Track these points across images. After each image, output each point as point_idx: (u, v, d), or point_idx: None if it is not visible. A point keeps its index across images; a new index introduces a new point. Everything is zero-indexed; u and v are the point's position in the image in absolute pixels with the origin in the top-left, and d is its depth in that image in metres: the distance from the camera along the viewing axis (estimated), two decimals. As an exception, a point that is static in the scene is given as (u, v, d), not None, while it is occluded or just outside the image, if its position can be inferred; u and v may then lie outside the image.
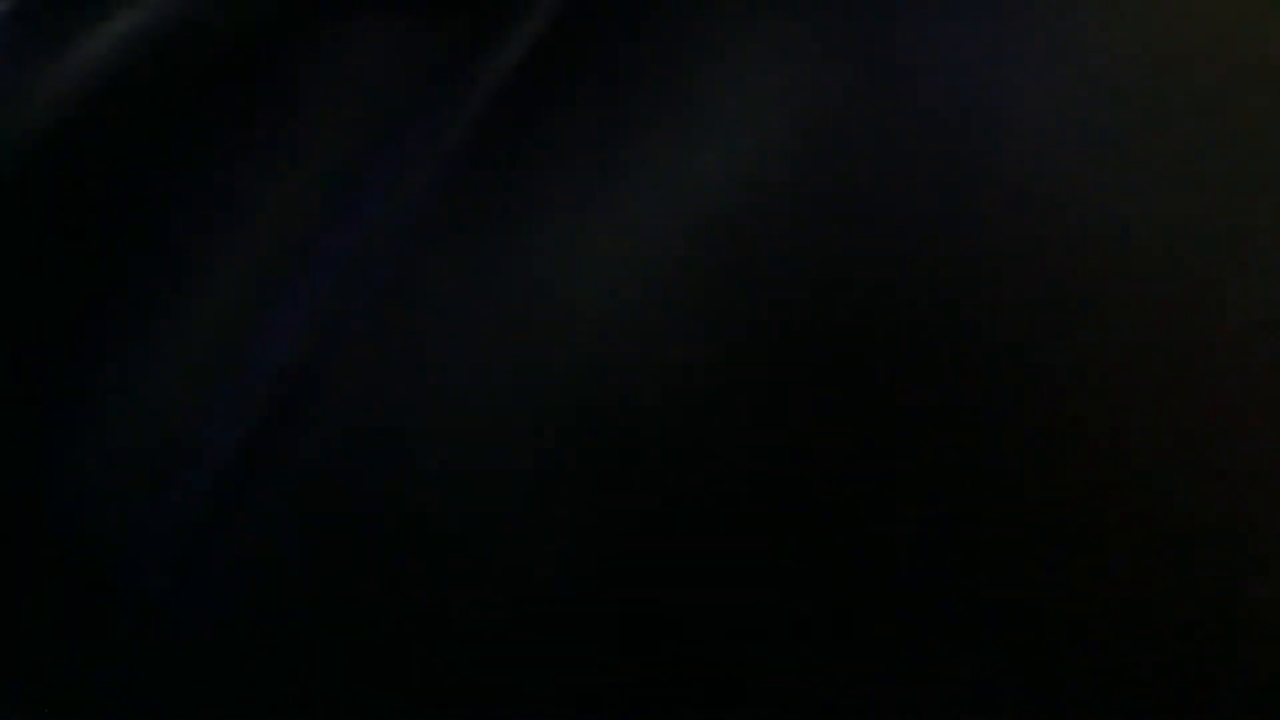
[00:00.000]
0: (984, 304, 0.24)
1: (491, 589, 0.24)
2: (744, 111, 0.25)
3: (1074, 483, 0.24)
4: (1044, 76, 0.25)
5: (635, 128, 0.25)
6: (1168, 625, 0.24)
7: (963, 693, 0.24)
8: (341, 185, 0.26)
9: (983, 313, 0.24)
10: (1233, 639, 0.24)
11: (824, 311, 0.24)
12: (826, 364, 0.24)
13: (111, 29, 0.28)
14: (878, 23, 0.25)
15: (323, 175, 0.27)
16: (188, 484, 0.26)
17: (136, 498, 0.26)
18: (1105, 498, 0.24)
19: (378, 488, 0.25)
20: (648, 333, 0.24)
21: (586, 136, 0.25)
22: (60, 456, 0.27)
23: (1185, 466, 0.24)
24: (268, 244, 0.26)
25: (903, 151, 0.25)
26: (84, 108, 0.28)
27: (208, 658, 0.26)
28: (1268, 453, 0.24)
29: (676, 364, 0.24)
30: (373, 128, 0.27)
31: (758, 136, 0.25)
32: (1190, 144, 0.25)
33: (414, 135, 0.26)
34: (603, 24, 0.26)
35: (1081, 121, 0.25)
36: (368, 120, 0.27)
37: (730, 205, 0.25)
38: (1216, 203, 0.24)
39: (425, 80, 0.27)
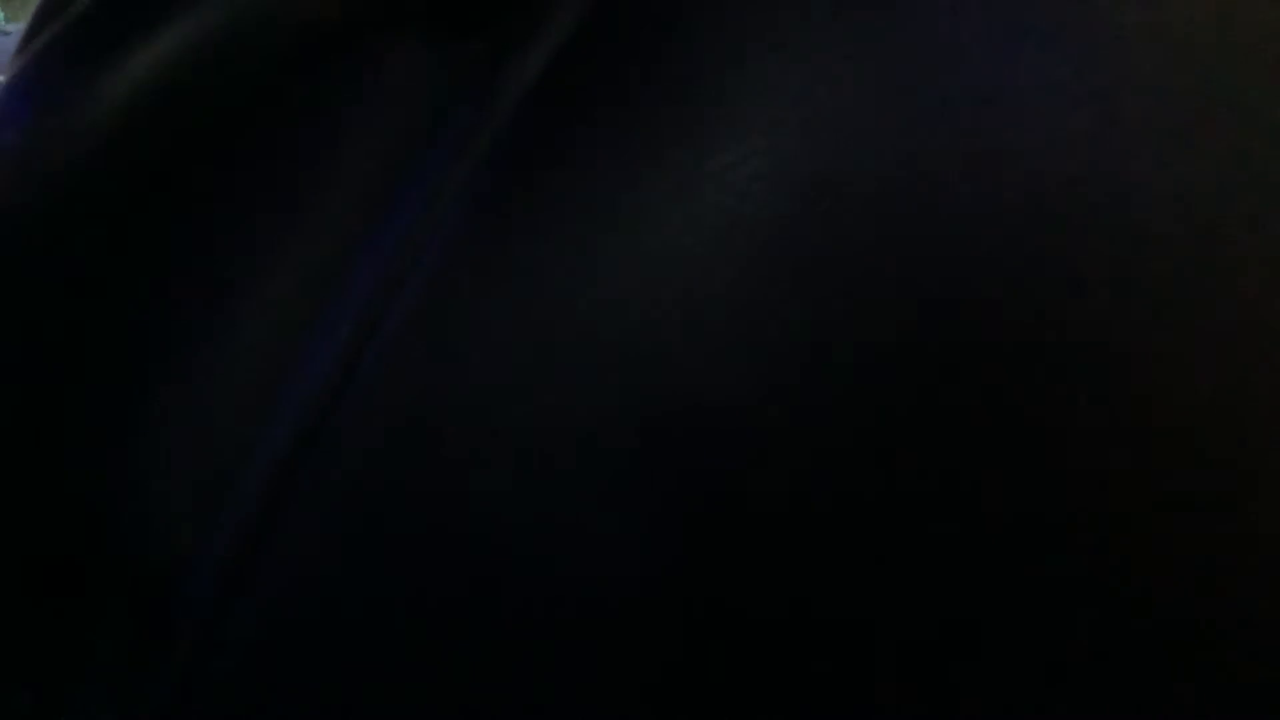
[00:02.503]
0: (1013, 293, 0.24)
1: (533, 599, 0.25)
2: (765, 112, 0.25)
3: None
4: (1060, 61, 0.25)
5: (659, 133, 0.26)
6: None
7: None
8: (374, 203, 0.27)
9: (1010, 301, 0.24)
10: None
11: (859, 308, 0.24)
12: (875, 359, 0.24)
13: (152, 54, 0.28)
14: (893, 18, 0.25)
15: (356, 194, 0.27)
16: (235, 505, 0.26)
17: (191, 509, 0.27)
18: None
19: (417, 502, 0.25)
20: (685, 337, 0.25)
21: (612, 144, 0.26)
22: (120, 471, 0.27)
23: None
24: (306, 266, 0.27)
25: (925, 146, 0.25)
26: (134, 123, 0.28)
27: (257, 672, 0.26)
28: None
29: (717, 368, 0.24)
30: (403, 144, 0.27)
31: (778, 135, 0.25)
32: (1212, 114, 0.25)
33: (443, 150, 0.27)
34: (625, 34, 0.27)
35: (1098, 102, 0.25)
36: (399, 137, 0.27)
37: (756, 205, 0.25)
38: (1237, 204, 0.24)
39: (452, 95, 0.27)
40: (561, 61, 0.27)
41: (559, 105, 0.26)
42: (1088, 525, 0.24)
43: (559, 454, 0.25)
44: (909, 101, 0.25)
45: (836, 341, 0.24)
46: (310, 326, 0.26)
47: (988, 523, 0.24)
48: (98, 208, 0.28)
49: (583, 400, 0.25)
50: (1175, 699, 0.24)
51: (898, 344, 0.24)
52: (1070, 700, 0.24)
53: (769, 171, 0.25)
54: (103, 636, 0.27)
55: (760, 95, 0.25)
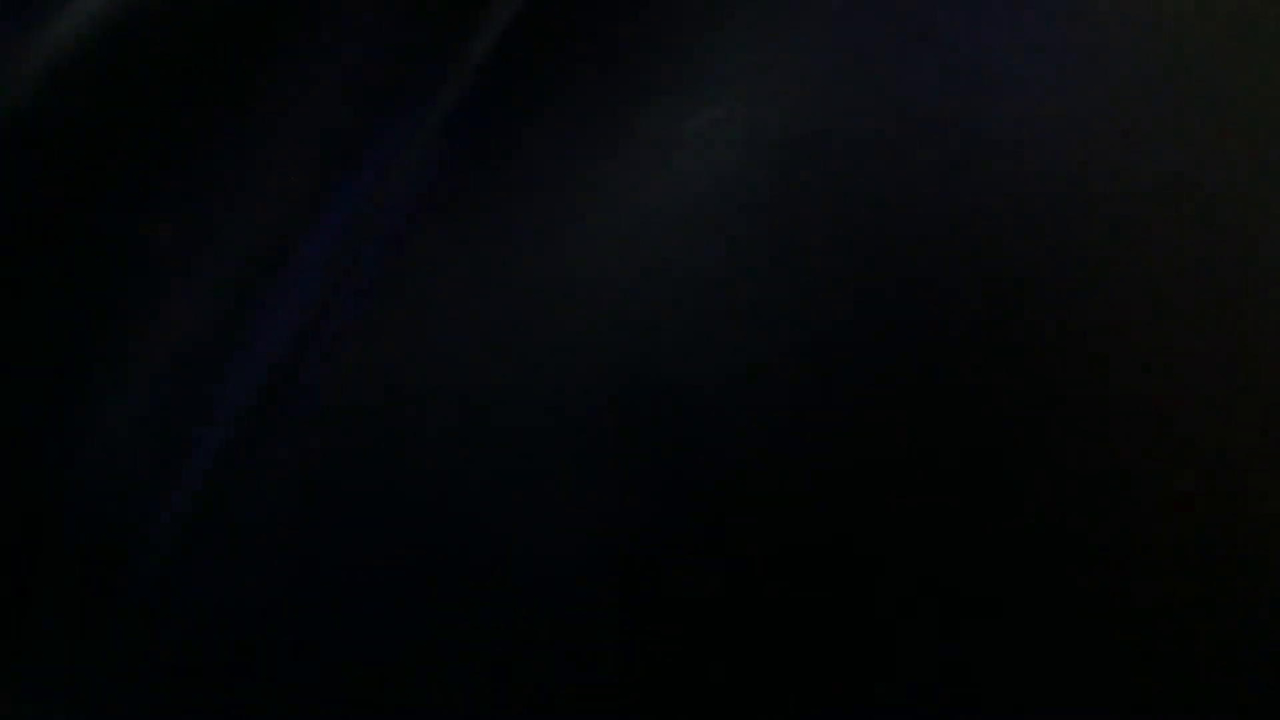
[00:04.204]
0: (981, 275, 0.24)
1: (485, 578, 0.24)
2: (740, 75, 0.25)
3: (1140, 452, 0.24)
4: (1038, 41, 0.25)
5: (628, 98, 0.25)
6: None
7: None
8: (329, 172, 0.26)
9: (982, 288, 0.24)
10: None
11: (835, 281, 0.24)
12: (853, 336, 0.24)
13: (84, 8, 0.27)
14: None
15: (310, 162, 0.26)
16: (185, 475, 0.25)
17: (136, 491, 0.26)
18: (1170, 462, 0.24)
19: (371, 476, 0.25)
20: (655, 307, 0.24)
21: (579, 108, 0.25)
22: (62, 454, 0.26)
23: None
24: (257, 234, 0.26)
25: (902, 116, 0.24)
26: (55, 91, 0.27)
27: (208, 645, 0.25)
28: None
29: (689, 339, 0.24)
30: (359, 113, 0.26)
31: (754, 99, 0.25)
32: (1192, 105, 0.24)
33: (400, 119, 0.26)
34: None
35: (1074, 83, 0.24)
36: (353, 106, 0.26)
37: (729, 171, 0.24)
38: (1222, 179, 0.24)
39: (409, 63, 0.26)
40: (526, 22, 0.26)
41: (523, 68, 0.26)
42: (1067, 521, 0.24)
43: (523, 426, 0.24)
44: (890, 66, 0.24)
45: (812, 315, 0.24)
46: (263, 297, 0.26)
47: (965, 514, 0.24)
48: (23, 178, 0.27)
49: (549, 371, 0.24)
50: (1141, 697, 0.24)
51: (876, 321, 0.24)
52: (1043, 693, 0.24)
53: (742, 137, 0.24)
54: (48, 611, 0.26)
55: (734, 60, 0.25)
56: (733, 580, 0.24)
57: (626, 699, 0.24)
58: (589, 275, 0.24)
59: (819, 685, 0.24)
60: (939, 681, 0.24)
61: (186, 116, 0.27)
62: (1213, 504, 0.24)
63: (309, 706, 0.25)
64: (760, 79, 0.25)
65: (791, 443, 0.24)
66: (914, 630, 0.24)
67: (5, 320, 0.27)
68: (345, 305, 0.25)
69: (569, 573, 0.24)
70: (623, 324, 0.24)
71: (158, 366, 0.26)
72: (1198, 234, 0.24)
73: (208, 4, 0.27)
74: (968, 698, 0.24)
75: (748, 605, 0.24)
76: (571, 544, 0.24)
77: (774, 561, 0.24)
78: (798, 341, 0.24)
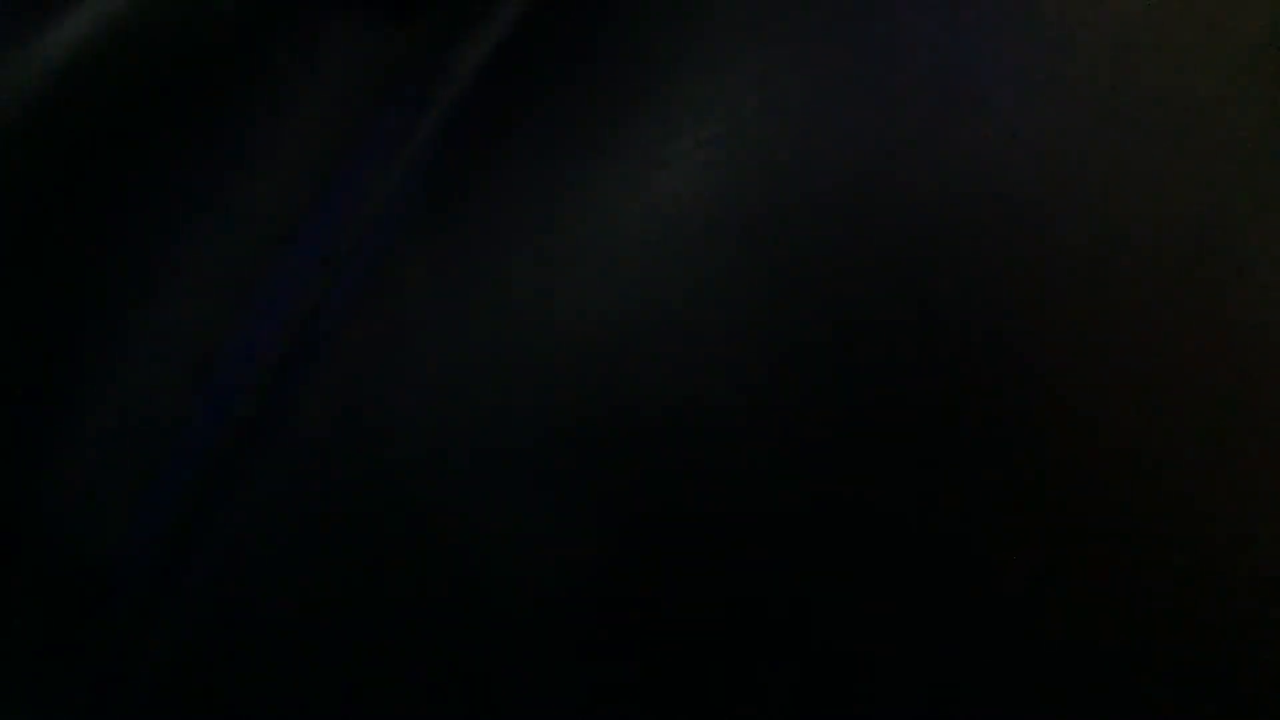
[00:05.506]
0: (962, 297, 0.24)
1: (479, 583, 0.24)
2: (719, 96, 0.25)
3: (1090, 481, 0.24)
4: (1026, 50, 0.25)
5: (613, 116, 0.25)
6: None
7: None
8: (317, 180, 0.26)
9: (963, 309, 0.24)
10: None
11: (821, 302, 0.24)
12: (838, 356, 0.24)
13: (80, 20, 0.27)
14: (851, 8, 0.25)
15: (298, 170, 0.26)
16: (171, 480, 0.25)
17: (121, 496, 0.26)
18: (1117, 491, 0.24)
19: (360, 481, 0.24)
20: (639, 325, 0.24)
21: (564, 126, 0.25)
22: (47, 456, 0.26)
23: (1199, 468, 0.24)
24: (245, 239, 0.26)
25: (889, 133, 0.24)
26: (51, 99, 0.27)
27: (194, 651, 0.25)
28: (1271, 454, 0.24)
29: (672, 358, 0.24)
30: (346, 122, 0.26)
31: (737, 121, 0.24)
32: (1157, 136, 0.24)
33: (388, 129, 0.26)
34: (578, 12, 0.26)
35: (1061, 92, 0.24)
36: (341, 115, 0.26)
37: (714, 191, 0.24)
38: (1196, 196, 0.24)
39: (398, 75, 0.26)
40: (512, 41, 0.26)
41: (509, 86, 0.26)
42: (1052, 533, 0.23)
43: (506, 442, 0.24)
44: (872, 87, 0.24)
45: (792, 339, 0.24)
46: (251, 303, 0.26)
47: (944, 531, 0.24)
48: (16, 182, 0.27)
49: (532, 388, 0.24)
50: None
51: (856, 347, 0.24)
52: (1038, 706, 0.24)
53: (726, 157, 0.24)
54: (26, 624, 0.26)
55: (718, 78, 0.25)
56: (711, 601, 0.24)
57: (606, 712, 0.24)
58: (570, 296, 0.24)
59: (793, 702, 0.24)
60: (916, 703, 0.24)
61: (175, 127, 0.27)
62: (1184, 516, 0.24)
63: None
64: (743, 101, 0.25)
65: (769, 466, 0.23)
66: (888, 650, 0.24)
67: None
68: (326, 322, 0.25)
69: (546, 592, 0.24)
70: (602, 345, 0.24)
71: (140, 377, 0.26)
72: (1177, 251, 0.24)
73: (203, 12, 0.27)
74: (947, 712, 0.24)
75: (726, 625, 0.24)
76: (549, 563, 0.24)
77: (752, 582, 0.24)
78: (777, 364, 0.24)
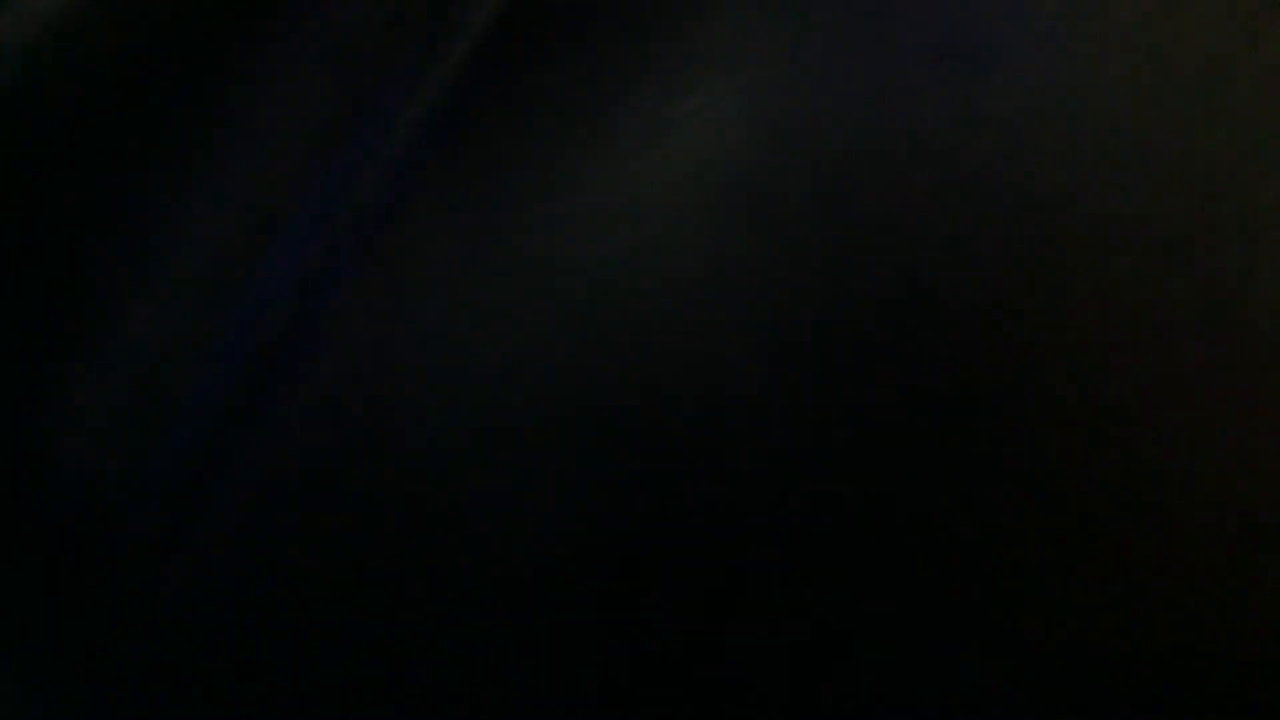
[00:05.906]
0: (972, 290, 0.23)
1: (481, 565, 0.24)
2: (732, 57, 0.24)
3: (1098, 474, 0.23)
4: (1037, 29, 0.24)
5: (623, 74, 0.24)
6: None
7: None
8: (323, 141, 0.26)
9: (974, 299, 0.23)
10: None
11: (834, 267, 0.23)
12: (853, 329, 0.23)
13: None
14: None
15: (304, 131, 0.26)
16: (170, 453, 0.25)
17: (118, 470, 0.26)
18: (1119, 483, 0.23)
19: (363, 452, 0.24)
20: (649, 290, 0.23)
21: (573, 84, 0.24)
22: (44, 429, 0.26)
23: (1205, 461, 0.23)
24: (249, 202, 0.26)
25: (908, 96, 0.24)
26: (46, 57, 0.27)
27: (191, 629, 0.25)
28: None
29: (683, 326, 0.23)
30: (353, 81, 0.26)
31: (746, 80, 0.24)
32: (1184, 124, 0.23)
33: (395, 88, 0.25)
34: None
35: (1083, 61, 0.23)
36: (348, 74, 0.26)
37: (727, 151, 0.24)
38: (1216, 186, 0.23)
39: (405, 32, 0.26)
40: (520, 2, 0.25)
41: (516, 43, 0.25)
42: (1062, 534, 0.23)
43: (513, 413, 0.24)
44: (891, 49, 0.24)
45: (802, 310, 0.23)
46: (255, 266, 0.25)
47: (951, 529, 0.23)
48: (9, 146, 0.27)
49: (540, 355, 0.24)
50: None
51: (866, 318, 0.23)
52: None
53: (733, 119, 0.24)
54: (23, 599, 0.26)
55: (730, 35, 0.24)
56: (722, 585, 0.23)
57: (608, 701, 0.24)
58: (576, 262, 0.24)
59: (801, 689, 0.23)
60: (919, 694, 0.23)
61: (173, 86, 0.26)
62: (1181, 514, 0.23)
63: (286, 702, 0.25)
64: (753, 60, 0.24)
65: (780, 444, 0.23)
66: (898, 639, 0.23)
67: None
68: (327, 295, 0.25)
69: (552, 575, 0.24)
70: (609, 315, 0.23)
71: (137, 352, 0.26)
72: (1192, 246, 0.23)
73: None
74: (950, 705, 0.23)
75: (734, 610, 0.23)
76: (555, 545, 0.24)
77: (760, 567, 0.23)
78: (786, 336, 0.23)
